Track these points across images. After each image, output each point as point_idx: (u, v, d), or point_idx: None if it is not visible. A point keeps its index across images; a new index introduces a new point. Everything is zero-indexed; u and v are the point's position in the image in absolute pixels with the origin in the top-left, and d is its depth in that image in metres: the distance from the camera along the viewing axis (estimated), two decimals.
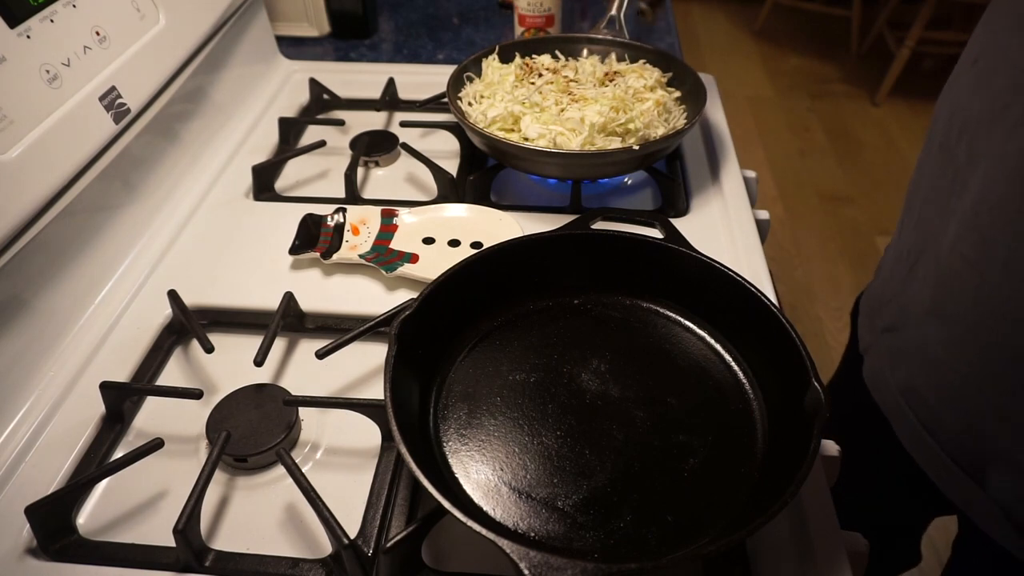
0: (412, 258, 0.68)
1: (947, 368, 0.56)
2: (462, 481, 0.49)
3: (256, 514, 0.51)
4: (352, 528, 0.47)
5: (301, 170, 0.83)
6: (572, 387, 0.54)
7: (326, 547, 0.48)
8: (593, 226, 0.64)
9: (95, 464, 0.53)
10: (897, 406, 0.63)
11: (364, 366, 0.61)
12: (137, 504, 0.51)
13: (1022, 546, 0.55)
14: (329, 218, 0.72)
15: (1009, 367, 0.51)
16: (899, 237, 0.67)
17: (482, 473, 0.49)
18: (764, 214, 0.81)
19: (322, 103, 0.95)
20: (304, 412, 0.56)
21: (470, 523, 0.39)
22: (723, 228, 0.73)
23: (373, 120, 0.92)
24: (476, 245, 0.69)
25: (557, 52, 0.87)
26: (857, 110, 2.90)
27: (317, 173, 0.84)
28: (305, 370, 0.61)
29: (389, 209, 0.73)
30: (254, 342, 0.58)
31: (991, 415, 0.54)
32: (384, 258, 0.68)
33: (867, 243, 2.28)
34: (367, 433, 0.54)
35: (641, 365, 0.56)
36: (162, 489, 0.52)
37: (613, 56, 0.87)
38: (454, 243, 0.70)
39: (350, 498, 0.51)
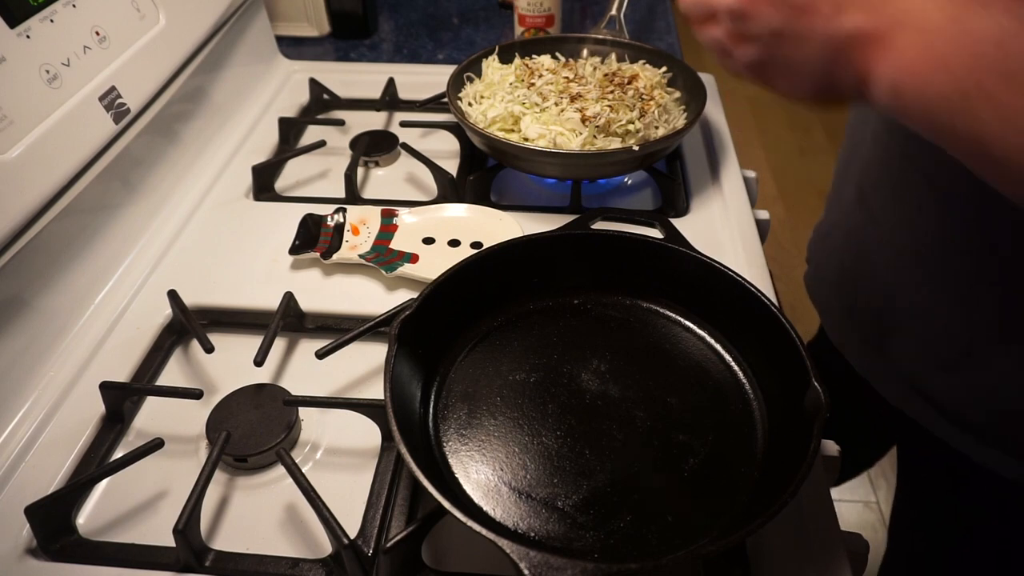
0: (412, 258, 0.68)
1: (870, 251, 0.64)
2: (462, 481, 0.49)
3: (256, 514, 0.51)
4: (352, 528, 0.47)
5: (301, 170, 0.83)
6: (572, 387, 0.54)
7: (326, 547, 0.48)
8: (593, 226, 0.64)
9: (95, 464, 0.53)
10: (827, 301, 0.73)
11: (364, 366, 0.61)
12: (137, 504, 0.51)
13: (924, 411, 0.62)
14: (329, 218, 0.72)
15: (913, 250, 0.59)
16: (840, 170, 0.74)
17: (482, 473, 0.49)
18: (764, 214, 0.81)
19: (322, 103, 0.95)
20: (304, 412, 0.56)
21: (470, 523, 0.39)
22: (723, 228, 0.73)
23: (373, 120, 0.92)
24: (476, 245, 0.69)
25: (557, 52, 0.87)
26: None
27: (317, 173, 0.84)
28: (305, 370, 0.61)
29: (389, 209, 0.73)
30: (254, 342, 0.58)
31: (897, 291, 0.62)
32: (384, 258, 0.68)
33: None
34: (367, 433, 0.54)
35: (641, 365, 0.56)
36: (162, 489, 0.52)
37: (613, 56, 0.87)
38: (454, 243, 0.70)
39: (350, 498, 0.51)
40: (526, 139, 0.74)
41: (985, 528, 0.67)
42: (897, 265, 0.61)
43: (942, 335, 0.58)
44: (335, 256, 0.68)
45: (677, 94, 0.81)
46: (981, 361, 0.56)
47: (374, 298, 0.66)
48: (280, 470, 0.52)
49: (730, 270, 0.56)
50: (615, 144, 0.73)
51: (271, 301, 0.63)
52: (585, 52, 0.88)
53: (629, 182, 0.82)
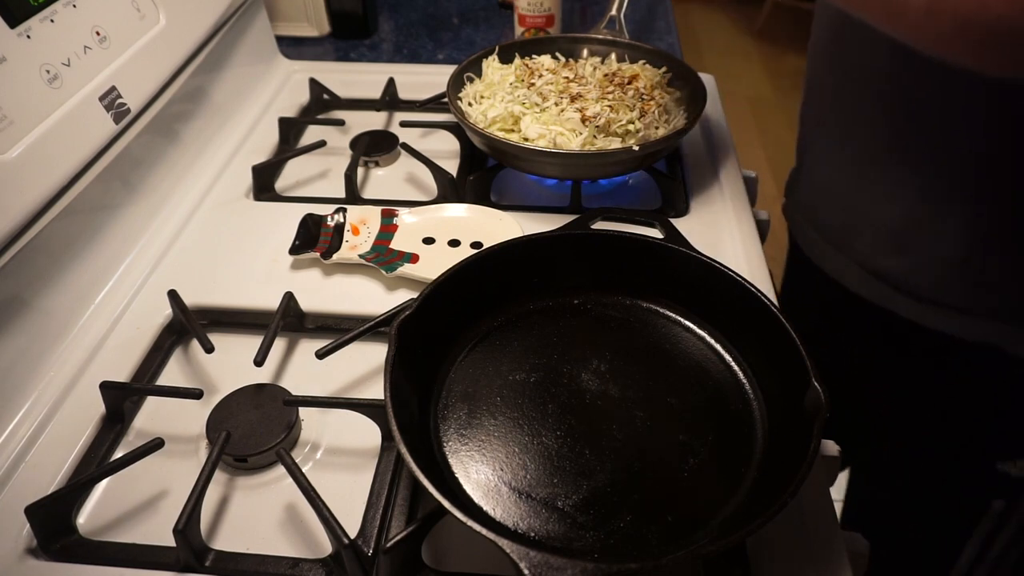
0: (412, 258, 0.68)
1: (830, 167, 0.76)
2: (462, 481, 0.49)
3: (256, 514, 0.51)
4: (352, 528, 0.47)
5: (301, 170, 0.83)
6: (572, 387, 0.54)
7: (326, 547, 0.48)
8: (593, 226, 0.64)
9: (95, 464, 0.53)
10: (800, 221, 0.83)
11: (364, 366, 0.61)
12: (137, 504, 0.51)
13: (883, 292, 0.72)
14: (329, 218, 0.72)
15: (866, 155, 0.70)
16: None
17: (482, 473, 0.49)
18: (764, 214, 0.81)
19: (322, 103, 0.95)
20: (304, 412, 0.56)
21: (470, 523, 0.39)
22: (723, 228, 0.73)
23: (373, 120, 0.92)
24: (476, 245, 0.69)
25: (557, 52, 0.87)
26: None
27: (317, 173, 0.84)
28: (305, 370, 0.61)
29: (389, 209, 0.73)
30: (254, 342, 0.58)
31: (854, 194, 0.72)
32: (384, 258, 0.68)
33: None
34: (367, 433, 0.54)
35: (641, 365, 0.56)
36: (162, 489, 0.52)
37: (613, 56, 0.87)
38: (454, 243, 0.70)
39: (350, 498, 0.51)
40: (526, 139, 0.74)
41: (940, 386, 0.76)
42: (857, 171, 0.72)
43: (895, 219, 0.69)
44: (335, 256, 0.68)
45: (677, 94, 0.81)
46: (929, 236, 0.67)
47: (374, 298, 0.66)
48: (280, 470, 0.52)
49: (730, 270, 0.56)
50: (615, 144, 0.73)
51: (271, 301, 0.63)
52: (585, 52, 0.88)
53: (629, 182, 0.82)
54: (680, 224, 0.68)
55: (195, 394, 0.55)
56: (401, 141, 0.84)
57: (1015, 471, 0.73)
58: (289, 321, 0.63)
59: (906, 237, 0.69)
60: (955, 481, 0.79)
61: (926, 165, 0.65)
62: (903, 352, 0.76)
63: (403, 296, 0.66)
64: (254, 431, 0.53)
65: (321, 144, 0.83)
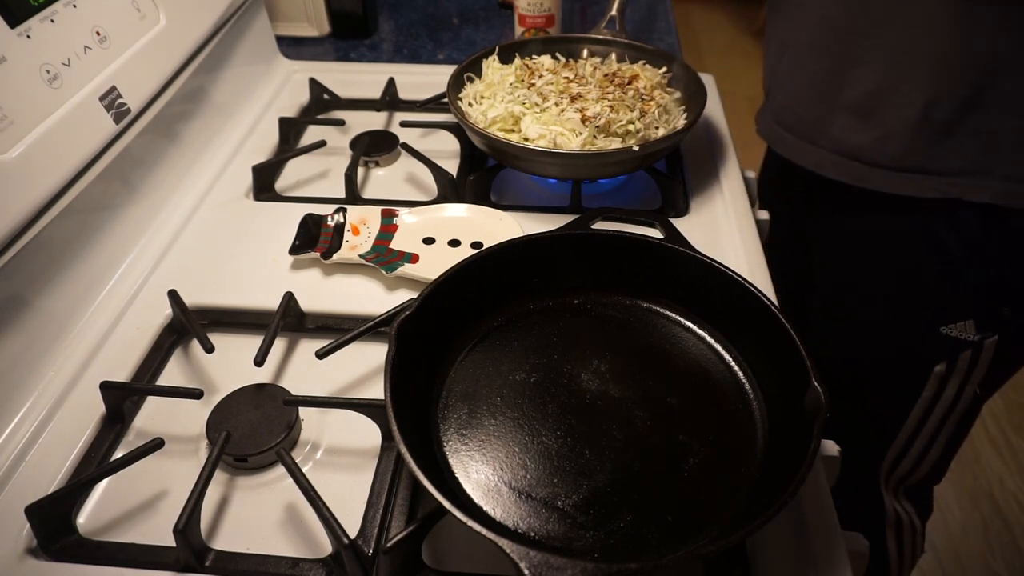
0: (412, 258, 0.68)
1: (800, 72, 0.80)
2: (462, 481, 0.49)
3: (256, 514, 0.51)
4: (352, 528, 0.47)
5: (301, 170, 0.83)
6: (572, 387, 0.54)
7: (326, 547, 0.48)
8: (593, 226, 0.64)
9: (95, 464, 0.53)
10: (771, 130, 0.87)
11: (364, 366, 0.61)
12: (137, 504, 0.51)
13: (858, 170, 0.76)
14: (329, 218, 0.72)
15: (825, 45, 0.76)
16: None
17: (482, 473, 0.49)
18: (764, 214, 0.81)
19: (322, 103, 0.95)
20: (304, 412, 0.56)
21: (470, 523, 0.39)
22: (723, 228, 0.73)
23: (373, 120, 0.92)
24: (476, 245, 0.69)
25: (557, 52, 0.87)
26: None
27: (317, 173, 0.84)
28: (305, 370, 0.61)
29: (389, 209, 0.73)
30: (254, 342, 0.58)
31: (826, 84, 0.76)
32: (384, 258, 0.68)
33: None
34: (367, 433, 0.54)
35: (641, 365, 0.56)
36: (162, 489, 0.52)
37: (613, 56, 0.86)
38: (454, 243, 0.70)
39: (350, 498, 0.51)
40: (526, 139, 0.74)
41: (897, 252, 0.80)
42: (826, 61, 0.76)
43: (863, 94, 0.73)
44: (335, 256, 0.68)
45: (677, 94, 0.81)
46: (893, 102, 0.72)
47: (374, 298, 0.66)
48: (280, 470, 0.52)
49: (730, 270, 0.56)
50: (615, 144, 0.73)
51: (271, 301, 0.63)
52: (585, 52, 0.88)
53: (629, 182, 0.82)
54: (680, 224, 0.68)
55: (195, 394, 0.55)
56: (401, 141, 0.84)
57: (956, 332, 0.77)
58: (289, 321, 0.63)
59: (872, 107, 0.73)
60: (900, 349, 0.82)
61: (887, 34, 0.70)
62: (866, 222, 0.81)
63: (403, 296, 0.66)
64: (254, 431, 0.53)
65: (321, 144, 0.83)
